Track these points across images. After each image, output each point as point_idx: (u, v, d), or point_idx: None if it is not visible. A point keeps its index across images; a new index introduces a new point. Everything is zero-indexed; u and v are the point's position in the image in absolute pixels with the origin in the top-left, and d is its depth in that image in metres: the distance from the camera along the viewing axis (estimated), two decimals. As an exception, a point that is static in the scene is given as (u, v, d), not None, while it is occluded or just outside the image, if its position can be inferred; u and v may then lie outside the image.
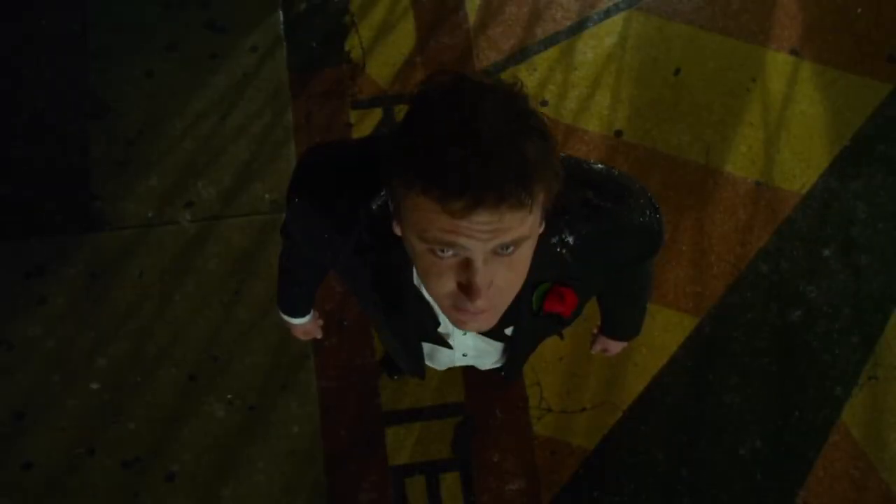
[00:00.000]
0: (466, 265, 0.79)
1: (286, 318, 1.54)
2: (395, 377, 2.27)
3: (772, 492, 2.24)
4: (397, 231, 0.88)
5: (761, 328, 2.37)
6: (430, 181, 0.73)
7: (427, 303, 1.08)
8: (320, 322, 1.67)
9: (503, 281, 0.83)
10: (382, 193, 0.96)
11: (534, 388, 2.29)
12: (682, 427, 2.29)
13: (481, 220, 0.74)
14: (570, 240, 1.00)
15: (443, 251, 0.79)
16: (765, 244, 2.44)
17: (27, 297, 2.29)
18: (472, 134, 0.73)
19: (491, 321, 0.88)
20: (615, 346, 1.60)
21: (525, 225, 0.78)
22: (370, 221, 0.97)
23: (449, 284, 0.82)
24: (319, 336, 1.69)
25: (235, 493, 2.16)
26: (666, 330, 2.35)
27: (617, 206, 1.02)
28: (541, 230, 0.88)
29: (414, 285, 1.04)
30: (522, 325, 1.11)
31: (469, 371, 2.29)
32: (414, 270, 1.01)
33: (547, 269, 1.00)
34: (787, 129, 2.57)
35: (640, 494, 2.23)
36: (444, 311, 0.88)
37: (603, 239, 1.02)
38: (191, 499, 2.15)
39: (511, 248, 0.80)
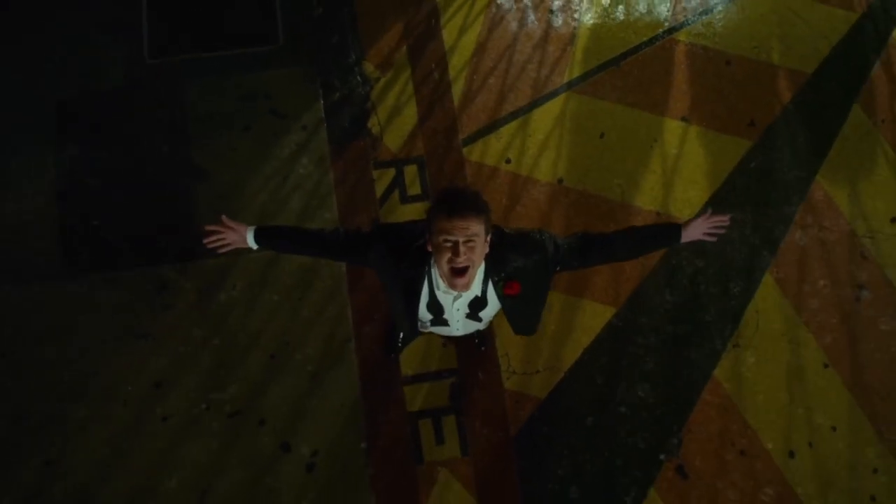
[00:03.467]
0: (455, 247, 1.91)
1: (252, 238, 2.26)
2: (392, 356, 3.32)
3: (663, 423, 3.29)
4: (429, 248, 2.00)
5: (659, 312, 3.44)
6: (444, 207, 1.91)
7: (438, 302, 2.15)
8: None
9: (470, 254, 1.94)
10: (417, 243, 2.08)
11: (504, 358, 3.35)
12: (604, 382, 3.35)
13: (460, 223, 1.88)
14: (505, 257, 2.11)
15: (446, 241, 1.90)
16: (662, 254, 3.51)
17: (158, 305, 3.35)
18: (460, 195, 1.92)
19: (469, 284, 1.99)
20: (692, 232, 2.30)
21: (479, 228, 1.92)
22: (412, 255, 2.09)
23: (447, 255, 1.93)
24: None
25: (305, 432, 3.21)
26: (594, 317, 3.42)
27: (521, 236, 2.18)
28: (486, 247, 2.00)
29: (427, 290, 2.12)
30: (505, 304, 2.19)
31: (460, 349, 3.35)
32: (425, 283, 2.10)
33: (501, 272, 2.12)
34: (678, 174, 3.65)
35: (578, 429, 3.28)
36: (444, 276, 1.99)
37: (521, 253, 2.13)
38: (275, 436, 3.20)
39: (471, 241, 1.93)
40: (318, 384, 3.28)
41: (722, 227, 2.31)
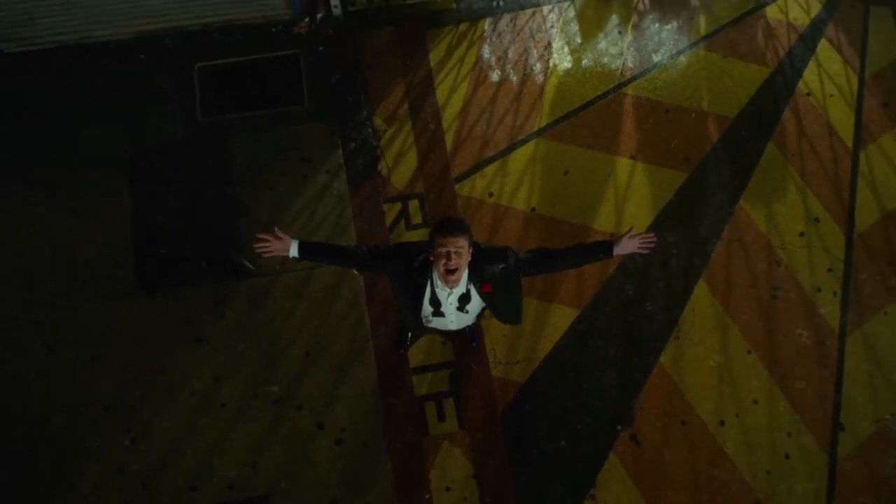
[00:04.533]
0: (448, 255, 2.79)
1: (295, 248, 2.91)
2: (401, 351, 4.17)
3: (619, 400, 4.13)
4: (431, 258, 2.88)
5: (615, 313, 4.30)
6: (440, 228, 2.80)
7: (437, 297, 3.02)
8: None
9: (458, 260, 2.80)
10: (422, 256, 2.94)
11: (492, 352, 4.20)
12: (571, 369, 4.19)
13: (452, 238, 2.78)
14: (482, 266, 2.95)
15: (441, 251, 2.79)
16: (616, 267, 4.39)
17: (215, 315, 4.20)
18: (451, 220, 2.81)
19: (458, 280, 2.87)
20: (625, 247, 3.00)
21: (464, 242, 2.81)
22: (418, 263, 2.95)
23: (443, 260, 2.79)
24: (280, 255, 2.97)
25: (334, 414, 4.04)
26: (562, 317, 4.27)
27: (492, 250, 3.02)
28: (469, 256, 2.87)
29: (429, 289, 2.98)
30: (484, 299, 3.05)
31: (456, 345, 4.20)
32: (427, 283, 2.96)
33: (479, 277, 2.98)
34: (628, 202, 4.54)
35: (551, 406, 4.12)
36: (441, 277, 2.87)
37: (492, 263, 2.99)
38: (311, 418, 4.03)
39: (459, 251, 2.81)
40: (344, 375, 4.12)
41: (651, 243, 3.04)
